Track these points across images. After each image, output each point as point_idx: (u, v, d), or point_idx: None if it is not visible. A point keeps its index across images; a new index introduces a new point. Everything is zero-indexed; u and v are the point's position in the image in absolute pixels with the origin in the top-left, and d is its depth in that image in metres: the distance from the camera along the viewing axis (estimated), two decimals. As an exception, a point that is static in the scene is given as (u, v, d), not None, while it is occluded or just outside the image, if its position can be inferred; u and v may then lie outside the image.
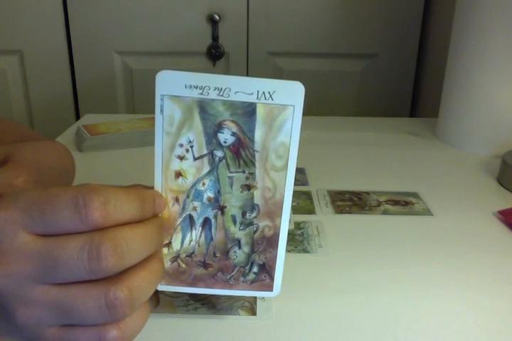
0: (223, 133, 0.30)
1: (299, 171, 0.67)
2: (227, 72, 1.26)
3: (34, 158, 0.42)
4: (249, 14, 1.20)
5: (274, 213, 0.31)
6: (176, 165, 0.30)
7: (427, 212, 0.56)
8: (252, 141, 0.30)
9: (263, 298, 0.40)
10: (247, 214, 0.31)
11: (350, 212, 0.56)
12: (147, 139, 0.76)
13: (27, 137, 0.51)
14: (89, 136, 0.75)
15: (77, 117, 1.30)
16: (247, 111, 0.29)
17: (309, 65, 1.25)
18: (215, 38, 1.22)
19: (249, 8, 1.20)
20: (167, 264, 0.32)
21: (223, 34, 1.22)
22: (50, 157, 0.46)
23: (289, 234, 0.50)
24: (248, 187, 0.31)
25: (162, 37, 1.22)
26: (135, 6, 1.19)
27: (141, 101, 1.27)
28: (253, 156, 0.30)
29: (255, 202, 0.31)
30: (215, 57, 1.23)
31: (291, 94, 0.29)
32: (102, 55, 1.24)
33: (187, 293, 0.40)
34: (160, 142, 0.30)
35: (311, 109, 1.29)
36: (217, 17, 1.19)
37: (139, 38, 1.22)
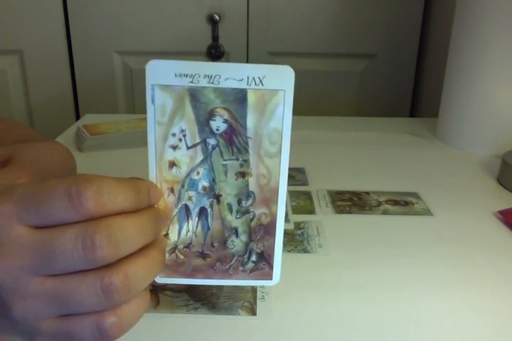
0: (215, 120, 0.29)
1: (299, 171, 0.67)
2: (227, 72, 1.26)
3: (36, 159, 0.42)
4: (249, 14, 1.20)
5: (270, 200, 0.31)
6: (169, 155, 0.30)
7: (427, 212, 0.56)
8: (245, 127, 0.30)
9: (263, 297, 0.40)
10: (243, 202, 0.31)
11: (350, 212, 0.56)
12: (147, 139, 0.75)
13: (28, 137, 0.51)
14: (89, 136, 0.75)
15: (77, 117, 1.30)
16: (238, 98, 0.29)
17: (309, 64, 1.25)
18: (215, 38, 1.22)
19: (249, 8, 1.20)
20: (165, 255, 0.31)
21: (223, 34, 1.22)
22: (52, 158, 0.46)
23: (289, 234, 0.50)
24: (243, 175, 0.31)
25: (162, 37, 1.22)
26: (135, 6, 1.19)
27: (141, 101, 1.27)
28: (246, 143, 0.30)
29: (250, 189, 0.31)
30: (215, 57, 1.23)
31: (282, 78, 0.29)
32: (102, 55, 1.24)
33: (187, 293, 0.40)
34: (152, 132, 0.30)
35: (311, 109, 1.29)
36: (217, 17, 1.19)
37: (139, 38, 1.22)
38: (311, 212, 0.56)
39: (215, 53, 1.23)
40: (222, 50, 1.23)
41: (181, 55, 1.24)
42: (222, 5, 1.19)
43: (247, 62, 1.25)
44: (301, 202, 0.58)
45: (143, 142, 0.81)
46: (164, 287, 0.40)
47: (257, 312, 0.38)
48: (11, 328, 0.27)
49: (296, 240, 0.49)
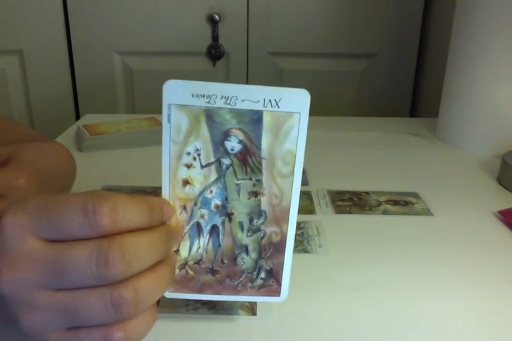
0: (230, 141, 0.30)
1: (299, 171, 0.67)
2: (227, 72, 1.26)
3: (35, 160, 0.42)
4: (249, 14, 1.20)
5: (281, 219, 0.32)
6: (183, 173, 0.30)
7: (427, 212, 0.56)
8: (259, 148, 0.30)
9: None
10: (255, 221, 0.32)
11: (350, 212, 0.56)
12: (147, 139, 0.76)
13: (28, 137, 0.51)
14: (89, 136, 0.75)
15: (77, 117, 1.30)
16: (254, 119, 0.30)
17: (309, 65, 1.25)
18: (215, 38, 1.22)
19: (249, 8, 1.20)
20: (175, 272, 0.32)
21: (223, 34, 1.22)
22: (52, 158, 0.46)
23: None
24: (255, 194, 0.31)
25: (162, 37, 1.22)
26: (135, 6, 1.19)
27: (141, 101, 1.27)
28: (260, 163, 0.30)
29: (262, 208, 0.31)
30: (215, 57, 1.23)
31: (297, 101, 0.29)
32: (102, 55, 1.24)
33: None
34: (167, 151, 0.30)
35: (311, 109, 1.29)
36: (217, 17, 1.19)
37: (139, 38, 1.22)
38: (311, 212, 0.56)
39: (215, 53, 1.23)
40: (222, 50, 1.23)
41: (181, 55, 1.24)
42: (222, 5, 1.19)
43: (247, 62, 1.25)
44: (301, 202, 0.58)
45: (143, 142, 0.81)
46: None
47: (257, 312, 0.38)
48: (16, 339, 0.27)
49: (296, 240, 0.49)
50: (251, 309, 0.39)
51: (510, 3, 0.68)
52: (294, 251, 0.47)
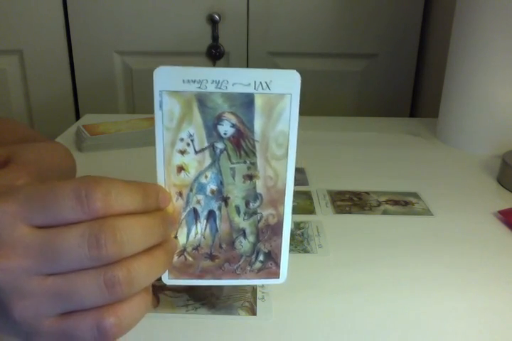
0: (223, 125, 0.30)
1: (299, 171, 0.67)
2: (227, 72, 1.26)
3: (35, 160, 0.42)
4: (249, 14, 1.20)
5: (277, 201, 0.32)
6: (177, 159, 0.30)
7: (427, 212, 0.56)
8: (252, 131, 0.30)
9: (263, 297, 0.40)
10: (251, 204, 0.32)
11: (350, 212, 0.56)
12: (147, 139, 0.76)
13: (28, 137, 0.51)
14: (89, 136, 0.75)
15: (77, 117, 1.30)
16: (246, 102, 0.30)
17: (309, 64, 1.25)
18: (215, 38, 1.22)
19: (249, 8, 1.20)
20: (174, 258, 0.32)
21: (223, 34, 1.22)
22: (52, 159, 0.46)
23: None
24: (250, 177, 0.31)
25: (162, 37, 1.22)
26: (135, 6, 1.19)
27: (141, 101, 1.27)
28: (253, 146, 0.30)
29: (258, 191, 0.31)
30: (215, 57, 1.23)
31: (288, 82, 0.29)
32: (102, 55, 1.24)
33: (187, 293, 0.40)
34: (160, 138, 0.30)
35: (311, 109, 1.29)
36: (217, 17, 1.19)
37: (139, 38, 1.22)
38: (311, 212, 0.56)
39: (215, 53, 1.23)
40: (222, 50, 1.23)
41: (181, 55, 1.24)
42: (222, 5, 1.19)
43: (247, 62, 1.25)
44: (301, 202, 0.58)
45: (143, 142, 0.81)
46: (164, 287, 0.40)
47: (257, 312, 0.38)
48: (9, 328, 0.27)
49: (296, 240, 0.49)
50: (251, 309, 0.39)
51: (510, 4, 0.68)
52: (295, 251, 0.48)
